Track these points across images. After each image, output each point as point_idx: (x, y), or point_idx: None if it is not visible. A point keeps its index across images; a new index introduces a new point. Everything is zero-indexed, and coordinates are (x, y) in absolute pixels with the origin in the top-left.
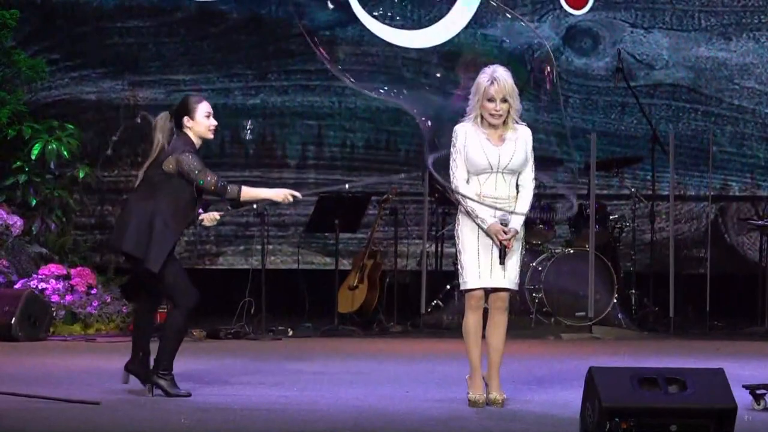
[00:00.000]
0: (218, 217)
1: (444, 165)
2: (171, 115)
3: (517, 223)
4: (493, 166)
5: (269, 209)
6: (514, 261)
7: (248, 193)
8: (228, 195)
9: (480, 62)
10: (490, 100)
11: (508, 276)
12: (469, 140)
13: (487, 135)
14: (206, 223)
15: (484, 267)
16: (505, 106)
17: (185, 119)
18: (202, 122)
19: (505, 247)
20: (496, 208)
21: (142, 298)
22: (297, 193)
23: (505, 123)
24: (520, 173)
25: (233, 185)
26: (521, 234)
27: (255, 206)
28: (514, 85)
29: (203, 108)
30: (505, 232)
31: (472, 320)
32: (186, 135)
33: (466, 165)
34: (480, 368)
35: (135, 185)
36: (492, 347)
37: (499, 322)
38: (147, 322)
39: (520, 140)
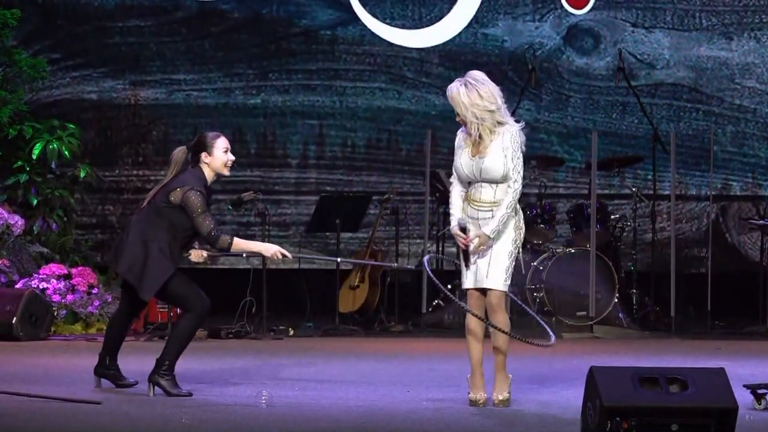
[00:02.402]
0: (205, 255)
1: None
2: (188, 149)
3: (488, 229)
4: (471, 175)
5: (270, 209)
6: (499, 261)
7: (239, 245)
8: (218, 245)
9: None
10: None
11: (491, 276)
12: (457, 150)
13: (469, 146)
14: (193, 258)
15: (470, 268)
16: (460, 116)
17: (203, 155)
18: (219, 157)
19: (466, 250)
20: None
21: (124, 303)
22: (287, 254)
23: (485, 130)
24: (506, 176)
25: (225, 236)
26: (509, 236)
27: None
28: (462, 96)
29: (221, 143)
30: (465, 237)
31: (472, 319)
32: (200, 169)
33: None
34: (480, 367)
35: (142, 205)
36: (495, 348)
37: (496, 323)
38: (122, 328)
39: (496, 148)
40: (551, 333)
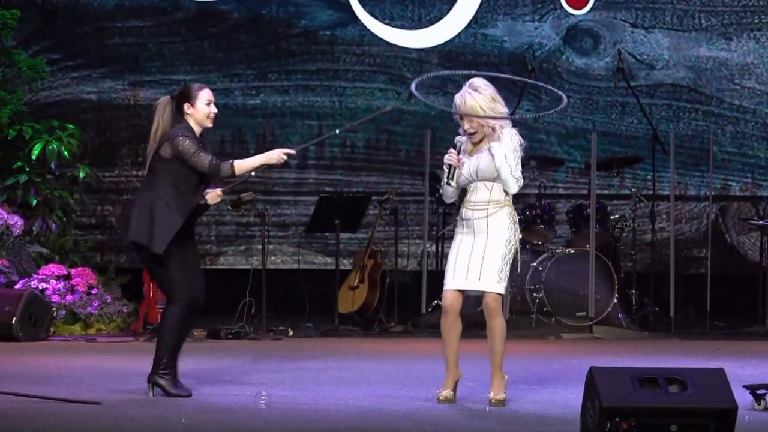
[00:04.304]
0: (219, 192)
1: None
2: (172, 99)
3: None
4: (468, 176)
5: (270, 209)
6: (492, 262)
7: (242, 165)
8: (222, 173)
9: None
10: (461, 118)
11: (484, 278)
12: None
13: (469, 148)
14: (210, 200)
15: (459, 269)
16: (473, 123)
17: (185, 106)
18: (202, 109)
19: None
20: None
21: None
22: (290, 150)
23: (485, 135)
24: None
25: (225, 162)
26: (502, 237)
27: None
28: (479, 101)
29: (204, 95)
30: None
31: (443, 321)
32: (185, 121)
33: None
34: (451, 367)
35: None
36: (490, 351)
37: (490, 327)
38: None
39: (494, 148)
40: (561, 94)
